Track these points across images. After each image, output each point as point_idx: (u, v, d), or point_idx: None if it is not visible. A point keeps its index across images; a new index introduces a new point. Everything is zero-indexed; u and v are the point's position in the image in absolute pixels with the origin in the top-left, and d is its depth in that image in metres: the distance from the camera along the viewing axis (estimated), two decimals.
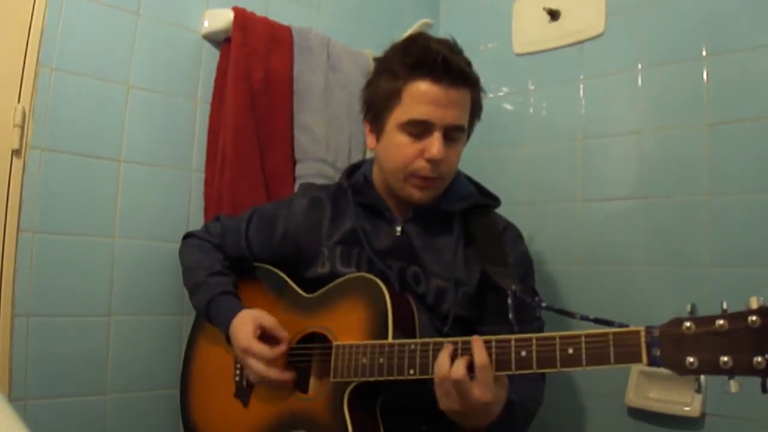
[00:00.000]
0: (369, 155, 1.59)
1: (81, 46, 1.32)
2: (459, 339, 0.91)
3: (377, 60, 1.23)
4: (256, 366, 1.07)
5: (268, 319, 1.10)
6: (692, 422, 1.32)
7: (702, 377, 0.77)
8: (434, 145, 1.10)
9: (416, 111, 1.10)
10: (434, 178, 1.13)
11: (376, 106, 1.17)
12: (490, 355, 0.88)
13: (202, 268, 1.24)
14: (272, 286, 1.24)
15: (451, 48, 1.14)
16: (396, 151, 1.13)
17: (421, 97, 1.10)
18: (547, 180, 1.65)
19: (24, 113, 1.23)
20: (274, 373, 1.07)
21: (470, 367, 0.88)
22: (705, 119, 1.38)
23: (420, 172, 1.12)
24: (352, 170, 1.30)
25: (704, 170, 1.38)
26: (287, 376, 1.08)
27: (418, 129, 1.11)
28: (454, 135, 1.13)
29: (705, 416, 1.31)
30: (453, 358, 0.90)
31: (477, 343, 0.88)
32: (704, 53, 1.40)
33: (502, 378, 0.91)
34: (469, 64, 1.15)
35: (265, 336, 1.09)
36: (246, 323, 1.10)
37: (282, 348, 1.08)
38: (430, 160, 1.11)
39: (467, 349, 0.89)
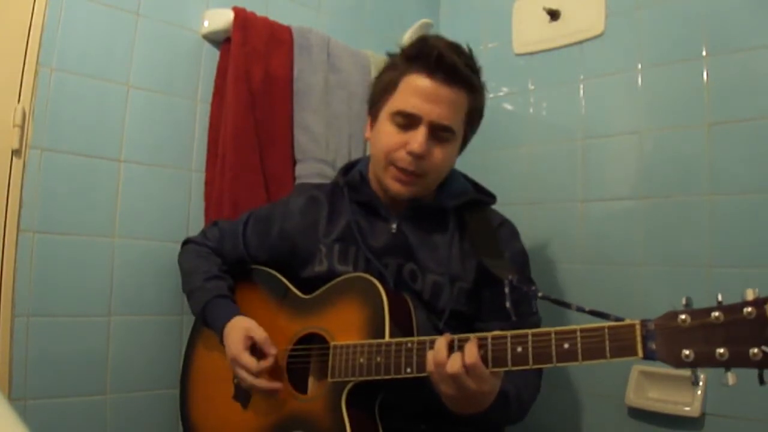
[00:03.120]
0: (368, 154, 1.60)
1: (81, 46, 1.32)
2: (457, 336, 0.91)
3: (388, 55, 1.24)
4: (244, 375, 1.10)
5: (258, 332, 1.11)
6: (692, 422, 1.31)
7: (699, 371, 0.77)
8: (416, 139, 1.10)
9: (405, 102, 1.11)
10: (413, 172, 1.13)
11: (375, 96, 1.20)
12: (485, 352, 0.88)
13: (199, 273, 1.25)
14: (270, 288, 1.24)
15: (455, 48, 1.13)
16: (382, 138, 1.15)
17: (412, 89, 1.11)
18: (547, 180, 1.65)
19: (24, 113, 1.23)
20: (261, 383, 1.09)
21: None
22: (705, 119, 1.38)
23: (399, 163, 1.13)
24: (348, 168, 1.30)
25: (704, 170, 1.37)
26: (276, 385, 1.09)
27: (406, 121, 1.12)
28: (440, 134, 1.13)
29: (705, 416, 1.31)
30: (450, 347, 0.90)
31: (470, 342, 0.89)
32: (704, 53, 1.39)
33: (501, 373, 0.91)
34: (469, 66, 1.14)
35: (256, 348, 1.10)
36: (237, 332, 1.12)
37: (268, 362, 1.09)
38: (410, 153, 1.11)
39: (463, 347, 0.89)
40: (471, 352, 0.88)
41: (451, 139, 1.15)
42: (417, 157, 1.11)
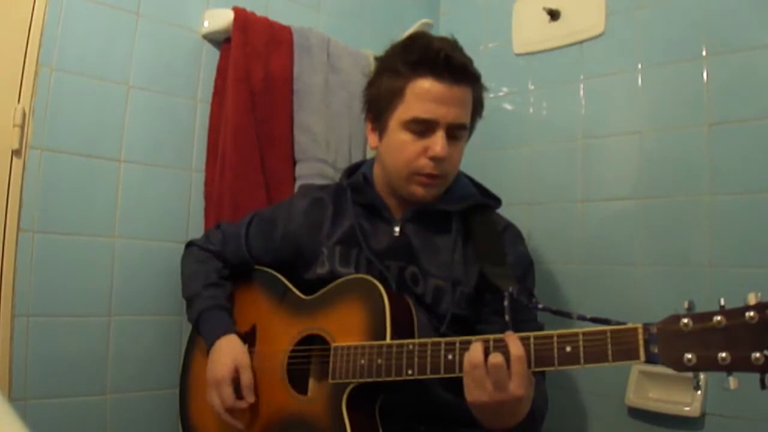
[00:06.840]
0: (369, 155, 1.59)
1: (81, 46, 1.32)
2: (491, 336, 0.89)
3: (378, 59, 1.23)
4: (216, 403, 1.13)
5: (246, 374, 1.12)
6: (692, 422, 1.32)
7: (701, 375, 0.77)
8: (437, 143, 1.10)
9: (419, 109, 1.10)
10: (437, 175, 1.13)
11: (378, 104, 1.17)
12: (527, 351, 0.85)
13: (197, 280, 1.25)
14: (271, 289, 1.23)
15: (453, 45, 1.14)
16: (399, 149, 1.13)
17: (424, 94, 1.10)
18: (547, 180, 1.65)
19: (24, 113, 1.23)
20: (226, 418, 1.12)
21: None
22: (705, 119, 1.38)
23: (423, 170, 1.12)
24: (352, 170, 1.30)
25: (704, 170, 1.37)
26: (238, 425, 1.11)
27: (421, 127, 1.11)
28: (456, 133, 1.13)
29: (705, 416, 1.31)
30: (486, 351, 0.88)
31: (512, 337, 0.86)
32: (704, 53, 1.40)
33: (532, 376, 0.88)
34: (470, 61, 1.15)
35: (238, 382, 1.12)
36: (227, 357, 1.13)
37: (244, 405, 1.11)
38: (433, 158, 1.11)
39: (499, 347, 0.87)
40: (516, 345, 0.85)
41: (464, 135, 1.17)
42: (439, 160, 1.11)
